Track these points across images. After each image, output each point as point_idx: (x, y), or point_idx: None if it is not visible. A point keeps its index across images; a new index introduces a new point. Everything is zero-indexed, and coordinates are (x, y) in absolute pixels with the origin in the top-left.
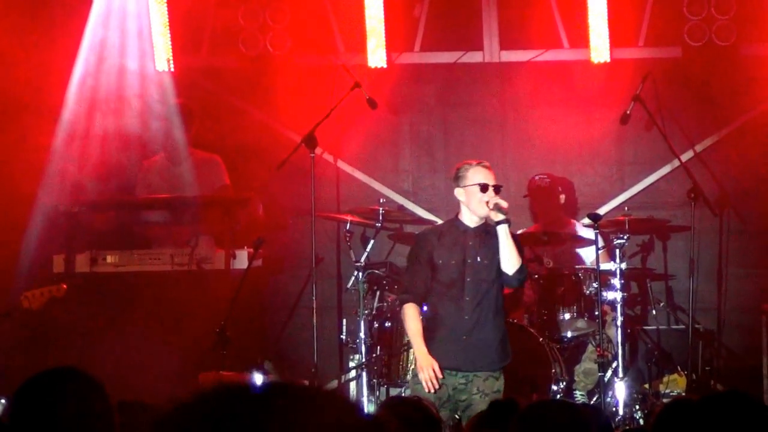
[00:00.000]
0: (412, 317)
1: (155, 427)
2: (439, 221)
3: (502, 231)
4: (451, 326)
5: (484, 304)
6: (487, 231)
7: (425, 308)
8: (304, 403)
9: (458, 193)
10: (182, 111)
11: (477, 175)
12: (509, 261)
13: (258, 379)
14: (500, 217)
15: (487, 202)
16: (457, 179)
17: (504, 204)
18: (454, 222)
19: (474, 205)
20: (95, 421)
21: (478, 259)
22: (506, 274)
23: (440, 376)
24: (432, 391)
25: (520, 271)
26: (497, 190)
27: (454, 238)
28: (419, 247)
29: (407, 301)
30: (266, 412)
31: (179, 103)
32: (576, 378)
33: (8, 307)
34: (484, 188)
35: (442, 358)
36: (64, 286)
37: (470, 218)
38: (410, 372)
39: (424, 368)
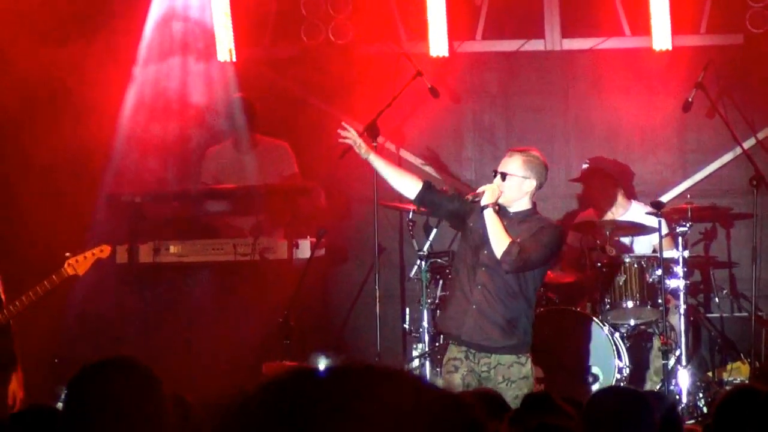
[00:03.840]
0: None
1: (223, 418)
2: None
3: (485, 215)
4: (461, 289)
5: (498, 281)
6: (526, 219)
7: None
8: (376, 385)
9: None
10: (244, 104)
11: None
12: (492, 245)
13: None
14: (483, 202)
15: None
16: None
17: (480, 190)
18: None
19: None
20: (148, 412)
21: None
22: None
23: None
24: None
25: (506, 253)
26: (501, 176)
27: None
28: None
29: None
30: (338, 395)
31: (240, 96)
32: (648, 380)
33: (52, 277)
34: (494, 174)
35: (448, 320)
36: (108, 247)
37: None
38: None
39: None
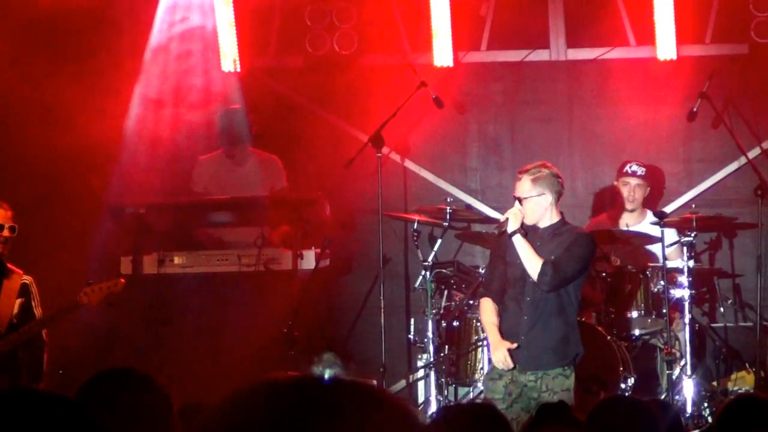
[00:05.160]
0: (484, 311)
1: (217, 412)
2: None
3: (514, 241)
4: (511, 324)
5: (542, 305)
6: (557, 231)
7: None
8: (365, 403)
9: None
10: (239, 115)
11: None
12: (527, 268)
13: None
14: (510, 229)
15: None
16: None
17: (504, 218)
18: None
19: None
20: (155, 423)
21: None
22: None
23: (512, 347)
24: (508, 366)
25: (542, 274)
26: (519, 201)
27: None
28: (496, 243)
29: (482, 296)
30: (325, 407)
31: (235, 108)
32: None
33: (68, 304)
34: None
35: None
36: (122, 281)
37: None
38: (478, 371)
39: (498, 349)
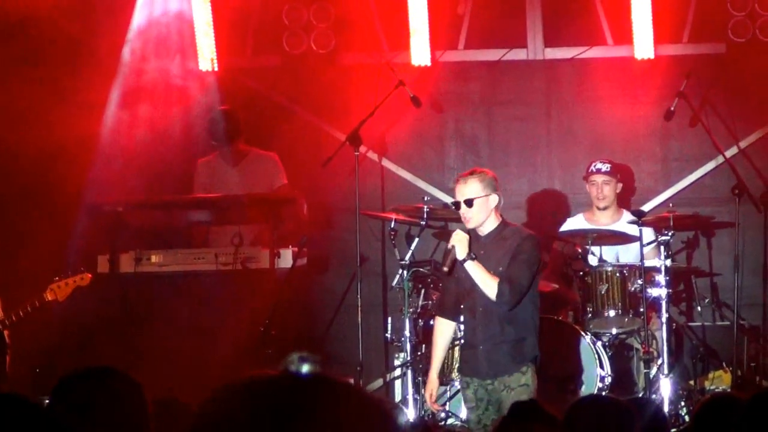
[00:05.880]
0: (436, 333)
1: (197, 414)
2: None
3: (467, 268)
4: (469, 336)
5: (495, 314)
6: (499, 236)
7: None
8: (342, 400)
9: None
10: (227, 117)
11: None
12: (485, 291)
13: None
14: (460, 256)
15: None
16: None
17: (450, 247)
18: (474, 229)
19: None
20: (131, 420)
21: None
22: None
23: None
24: (430, 402)
25: (499, 295)
26: (468, 203)
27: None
28: (444, 260)
29: (436, 315)
30: (303, 403)
31: (223, 109)
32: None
33: (34, 300)
34: (456, 206)
35: (464, 365)
36: (89, 275)
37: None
38: (455, 370)
39: (426, 385)
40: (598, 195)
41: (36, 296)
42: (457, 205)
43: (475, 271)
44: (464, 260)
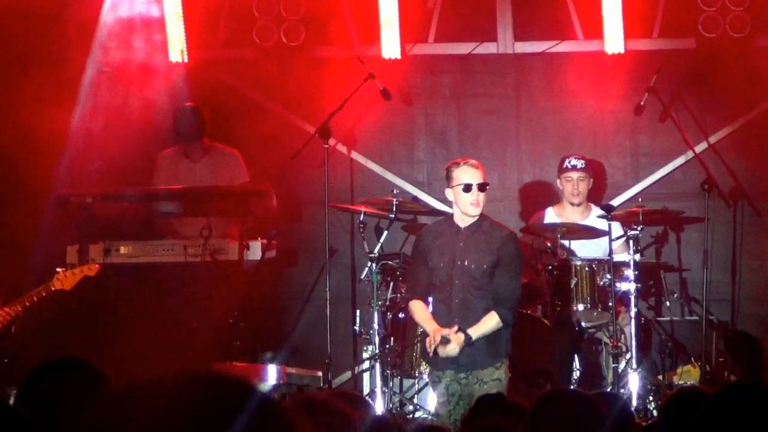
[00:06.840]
0: (417, 310)
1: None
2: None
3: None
4: (442, 327)
5: (472, 307)
6: (479, 229)
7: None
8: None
9: (448, 193)
10: (193, 113)
11: (463, 174)
12: (494, 329)
13: (271, 371)
14: (457, 349)
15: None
16: (447, 179)
17: (450, 352)
18: (450, 220)
19: (462, 205)
20: None
21: (466, 262)
22: None
23: (443, 334)
24: (429, 350)
25: (504, 322)
26: (482, 188)
27: (447, 239)
28: (416, 246)
29: (411, 299)
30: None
31: (190, 106)
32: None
33: (42, 288)
34: (467, 188)
35: (437, 359)
36: (97, 265)
37: (461, 218)
38: (423, 363)
39: (430, 335)
40: (573, 191)
41: (43, 286)
42: (468, 187)
43: (479, 334)
44: (470, 343)
